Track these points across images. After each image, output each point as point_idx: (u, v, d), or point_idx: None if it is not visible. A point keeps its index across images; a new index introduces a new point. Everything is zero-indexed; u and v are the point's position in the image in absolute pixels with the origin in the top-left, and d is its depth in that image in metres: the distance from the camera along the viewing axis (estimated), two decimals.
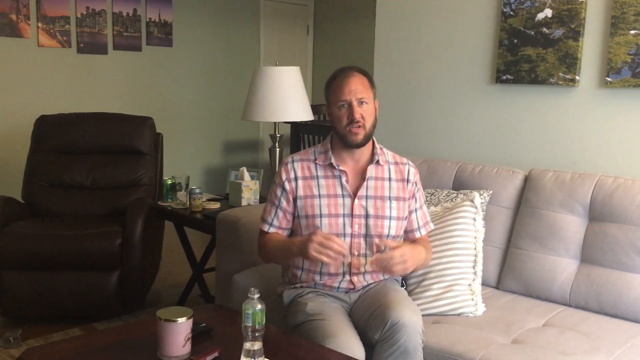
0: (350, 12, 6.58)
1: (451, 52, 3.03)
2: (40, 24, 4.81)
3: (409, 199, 2.23)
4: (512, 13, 2.77)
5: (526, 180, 2.57)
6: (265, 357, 1.67)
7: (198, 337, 1.81)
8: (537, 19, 2.70)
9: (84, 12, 5.05)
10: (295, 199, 2.20)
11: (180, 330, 1.70)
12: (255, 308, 1.68)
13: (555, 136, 2.73)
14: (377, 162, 2.19)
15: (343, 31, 6.67)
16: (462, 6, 2.97)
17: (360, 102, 2.11)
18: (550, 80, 2.69)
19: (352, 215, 2.15)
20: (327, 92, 2.19)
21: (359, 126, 2.10)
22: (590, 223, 2.37)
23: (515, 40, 2.77)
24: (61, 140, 3.78)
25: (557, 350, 1.96)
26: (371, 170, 2.19)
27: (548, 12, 2.67)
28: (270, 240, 2.21)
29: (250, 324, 1.67)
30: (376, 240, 2.09)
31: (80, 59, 5.09)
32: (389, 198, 2.18)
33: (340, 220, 2.15)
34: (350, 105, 2.10)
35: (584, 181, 2.40)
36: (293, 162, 2.23)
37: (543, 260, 2.40)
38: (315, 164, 2.21)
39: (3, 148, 4.73)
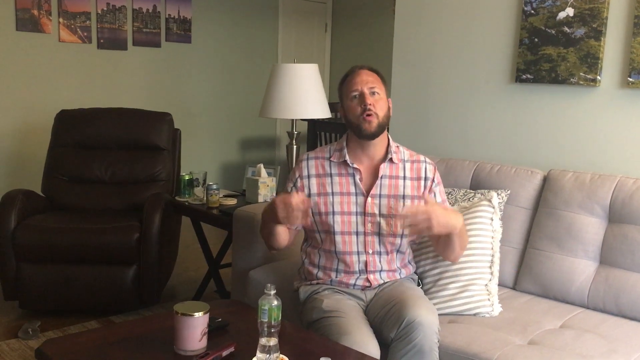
0: (369, 10, 6.56)
1: (470, 51, 3.01)
2: (61, 20, 4.86)
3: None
4: (533, 12, 2.74)
5: (545, 180, 2.55)
6: (281, 353, 1.68)
7: (214, 331, 1.82)
8: (558, 18, 2.67)
9: (105, 8, 5.09)
10: (307, 197, 2.19)
11: (197, 324, 1.72)
12: (271, 304, 1.69)
13: (576, 137, 2.70)
14: (391, 160, 2.19)
15: (361, 29, 6.65)
16: (482, 4, 2.95)
17: (372, 92, 2.13)
18: (571, 80, 2.66)
19: (364, 213, 2.15)
20: (341, 88, 2.21)
21: (371, 114, 2.10)
22: (609, 225, 2.34)
23: (536, 39, 2.74)
24: (81, 135, 3.82)
25: (574, 352, 1.94)
26: (385, 169, 2.18)
27: (570, 11, 2.64)
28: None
29: (266, 320, 1.68)
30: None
31: (100, 54, 5.13)
32: (403, 197, 2.17)
33: (353, 218, 2.16)
34: (362, 94, 2.13)
35: (604, 182, 2.37)
36: (308, 159, 2.25)
37: (561, 261, 2.37)
38: (330, 161, 2.22)
39: (24, 142, 4.79)
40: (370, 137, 2.14)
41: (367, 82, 2.14)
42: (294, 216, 1.97)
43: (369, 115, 2.10)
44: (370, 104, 2.10)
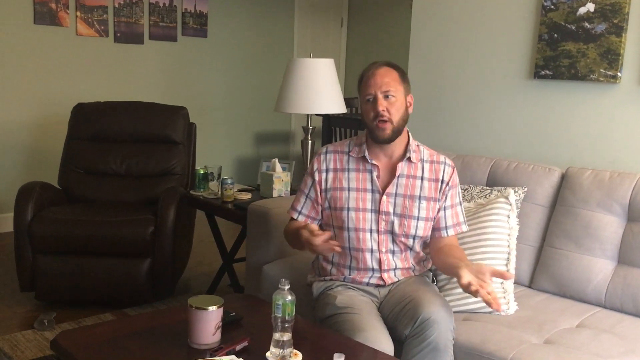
0: (385, 4, 6.52)
1: (489, 46, 2.98)
2: (79, 13, 4.88)
3: (440, 199, 2.18)
4: (552, 7, 2.71)
5: (563, 178, 2.52)
6: (294, 348, 1.68)
7: (228, 325, 1.82)
8: (578, 13, 2.64)
9: (122, 2, 5.10)
10: (323, 191, 2.19)
11: (211, 318, 1.72)
12: (285, 299, 1.68)
13: (595, 134, 2.66)
14: (409, 159, 2.15)
15: (377, 24, 6.62)
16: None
17: (386, 96, 2.06)
18: (591, 76, 2.62)
19: (379, 211, 2.13)
20: (359, 87, 2.16)
21: (385, 120, 2.05)
22: (628, 223, 2.31)
23: (556, 35, 2.71)
24: (97, 128, 3.84)
25: (591, 352, 1.92)
26: (402, 168, 2.14)
27: (590, 7, 2.60)
28: (289, 226, 2.25)
29: (280, 315, 1.67)
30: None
31: (117, 48, 5.15)
32: (419, 198, 2.14)
33: (368, 215, 2.13)
34: (375, 98, 2.07)
35: (623, 180, 2.34)
36: (327, 153, 2.22)
37: (578, 260, 2.35)
38: (349, 156, 2.19)
39: (41, 135, 4.83)
40: (384, 142, 2.11)
41: (382, 85, 2.06)
42: (320, 251, 2.05)
43: (382, 121, 2.06)
44: (383, 110, 2.05)
